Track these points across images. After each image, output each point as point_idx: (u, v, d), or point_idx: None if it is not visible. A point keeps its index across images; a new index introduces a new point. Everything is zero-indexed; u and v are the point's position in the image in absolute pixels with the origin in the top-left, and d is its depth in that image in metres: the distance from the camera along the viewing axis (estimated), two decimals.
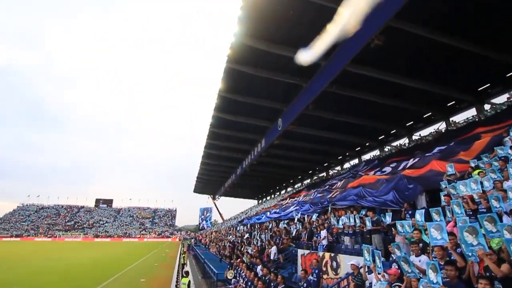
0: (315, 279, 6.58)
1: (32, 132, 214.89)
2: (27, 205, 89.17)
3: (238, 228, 23.94)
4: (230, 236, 21.11)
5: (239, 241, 16.38)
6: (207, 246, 27.93)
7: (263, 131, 24.97)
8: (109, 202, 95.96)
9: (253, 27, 13.37)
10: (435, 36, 11.13)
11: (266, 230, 14.24)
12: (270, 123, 23.20)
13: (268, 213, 19.95)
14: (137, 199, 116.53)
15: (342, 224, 8.29)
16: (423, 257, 4.39)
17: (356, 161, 26.83)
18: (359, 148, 25.94)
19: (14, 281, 13.21)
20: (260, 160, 28.87)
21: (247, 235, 16.34)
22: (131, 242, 65.25)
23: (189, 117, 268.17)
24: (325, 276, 7.05)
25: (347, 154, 28.02)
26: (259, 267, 7.85)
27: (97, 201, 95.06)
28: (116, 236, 74.82)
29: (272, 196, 51.21)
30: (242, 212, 50.69)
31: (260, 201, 57.92)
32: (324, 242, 8.53)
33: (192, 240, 45.65)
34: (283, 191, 46.40)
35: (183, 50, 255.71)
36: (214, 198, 70.35)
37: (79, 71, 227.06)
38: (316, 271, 6.71)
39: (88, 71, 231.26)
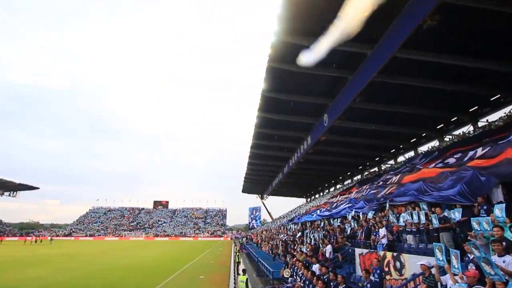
0: (377, 279, 6.25)
1: (96, 143, 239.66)
2: (97, 208, 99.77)
3: (288, 227, 23.86)
4: (282, 235, 21.11)
5: (291, 240, 16.31)
6: (259, 245, 28.32)
7: (308, 128, 24.54)
8: (165, 203, 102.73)
9: (293, 23, 13.19)
10: (500, 7, 9.81)
11: (318, 229, 13.95)
12: (315, 119, 22.70)
13: (319, 211, 19.53)
14: (190, 200, 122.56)
15: (404, 222, 7.74)
16: (508, 258, 3.88)
17: (411, 153, 24.96)
18: (414, 139, 24.03)
19: (91, 276, 14.86)
20: (307, 157, 28.41)
21: (299, 234, 16.20)
22: (186, 241, 69.07)
23: (235, 119, 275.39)
24: (388, 277, 6.66)
25: (401, 146, 26.19)
26: (315, 266, 7.71)
27: (155, 203, 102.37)
28: (173, 235, 79.81)
29: (321, 194, 50.08)
30: (291, 211, 50.42)
31: (309, 199, 57.04)
32: (384, 240, 8.06)
33: (244, 239, 46.67)
34: (332, 189, 45.10)
35: (224, 54, 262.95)
36: (262, 198, 71.15)
37: (135, 86, 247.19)
38: (378, 271, 6.37)
39: (142, 88, 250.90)
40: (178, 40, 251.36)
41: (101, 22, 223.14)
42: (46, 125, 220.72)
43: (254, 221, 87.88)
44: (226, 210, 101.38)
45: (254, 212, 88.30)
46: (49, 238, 59.87)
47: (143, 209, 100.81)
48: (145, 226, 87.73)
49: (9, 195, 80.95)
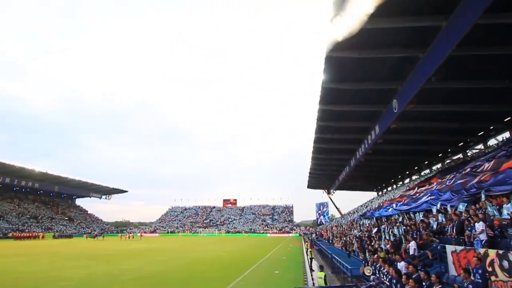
0: (480, 280, 5.51)
1: (169, 150, 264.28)
2: (175, 207, 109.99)
3: (361, 222, 22.69)
4: (355, 231, 20.19)
5: (367, 236, 15.47)
6: (330, 241, 27.61)
7: (375, 117, 22.95)
8: (233, 202, 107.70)
9: None
10: None
11: (397, 224, 12.92)
12: (382, 107, 21.12)
13: (395, 205, 18.12)
14: (257, 198, 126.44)
15: (508, 214, 6.65)
16: None
17: (506, 135, 21.35)
18: (509, 118, 20.48)
19: (177, 268, 16.45)
20: (376, 148, 26.61)
21: (375, 230, 15.27)
22: (256, 237, 71.30)
23: (296, 114, 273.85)
24: (493, 278, 5.81)
25: (491, 128, 22.60)
26: (401, 264, 7.16)
27: (224, 201, 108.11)
28: (243, 231, 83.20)
29: (394, 186, 46.37)
30: (362, 205, 47.82)
31: (381, 192, 53.37)
32: (482, 236, 7.05)
33: (313, 235, 46.04)
34: (406, 180, 41.38)
35: (281, 45, 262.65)
36: (328, 193, 69.17)
37: (197, 97, 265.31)
38: (480, 271, 5.61)
39: (204, 97, 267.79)
40: (234, 45, 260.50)
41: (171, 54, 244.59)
42: (128, 137, 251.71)
43: (322, 217, 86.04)
44: (292, 207, 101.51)
45: (321, 208, 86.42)
46: (138, 234, 68.38)
47: (214, 207, 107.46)
48: (217, 223, 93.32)
49: (105, 198, 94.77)
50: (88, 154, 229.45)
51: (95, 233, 63.46)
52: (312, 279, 8.73)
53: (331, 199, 71.37)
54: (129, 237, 58.24)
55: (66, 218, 76.90)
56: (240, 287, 11.07)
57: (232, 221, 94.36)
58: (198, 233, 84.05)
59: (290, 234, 77.87)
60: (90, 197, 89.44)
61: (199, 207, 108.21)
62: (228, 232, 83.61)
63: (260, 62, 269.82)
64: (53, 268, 16.16)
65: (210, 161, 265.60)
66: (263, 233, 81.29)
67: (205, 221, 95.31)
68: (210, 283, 12.03)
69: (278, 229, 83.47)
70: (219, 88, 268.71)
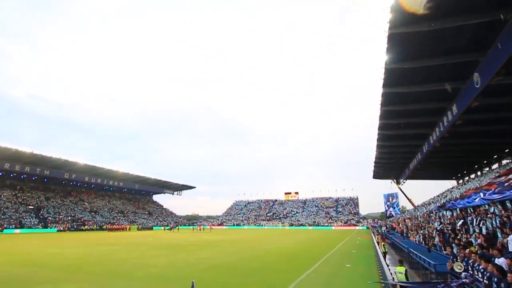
0: None
1: (231, 148, 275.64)
2: (238, 201, 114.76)
3: (440, 214, 20.50)
4: (435, 223, 18.34)
5: (450, 229, 13.90)
6: (404, 234, 25.62)
7: (451, 95, 20.35)
8: (295, 194, 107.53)
9: None
10: None
11: (488, 215, 11.32)
12: (460, 83, 18.66)
13: (483, 194, 15.87)
14: (319, 190, 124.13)
15: None
16: None
17: None
18: None
19: (248, 259, 17.15)
20: (454, 130, 23.66)
21: (460, 222, 13.63)
22: (321, 230, 70.12)
23: (358, 101, 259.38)
24: None
25: None
26: (500, 260, 6.25)
27: (286, 194, 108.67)
28: (306, 224, 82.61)
29: (479, 173, 40.73)
30: (439, 196, 43.15)
31: (461, 180, 47.44)
32: None
33: (383, 228, 43.31)
34: (494, 166, 35.98)
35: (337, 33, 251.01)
36: (398, 183, 64.09)
37: (255, 95, 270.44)
38: None
39: (260, 95, 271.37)
40: (284, 38, 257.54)
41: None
42: (192, 138, 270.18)
43: (391, 209, 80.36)
44: (357, 198, 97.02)
45: (390, 199, 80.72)
46: (208, 227, 73.19)
47: (276, 200, 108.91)
48: (280, 216, 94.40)
49: (177, 194, 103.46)
50: (159, 155, 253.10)
51: (171, 225, 70.09)
52: (391, 273, 8.21)
53: (401, 189, 66.03)
54: (199, 229, 62.82)
55: (146, 213, 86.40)
56: (312, 279, 11.04)
57: (294, 214, 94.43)
58: (262, 225, 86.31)
59: (357, 227, 74.67)
60: (164, 193, 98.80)
61: (261, 201, 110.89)
62: (292, 224, 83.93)
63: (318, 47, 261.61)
64: (141, 256, 18.37)
65: (270, 155, 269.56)
66: (327, 226, 79.57)
67: (268, 214, 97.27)
68: (282, 274, 12.26)
69: (343, 221, 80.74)
70: (271, 83, 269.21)
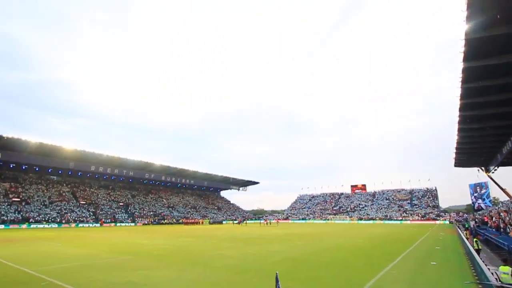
0: None
1: (292, 141, 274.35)
2: (303, 195, 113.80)
3: None
4: None
5: None
6: (502, 230, 22.13)
7: None
8: (362, 187, 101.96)
9: None
10: None
11: None
12: None
13: None
14: (389, 181, 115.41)
15: None
16: None
17: None
18: None
19: (318, 252, 16.88)
20: None
21: None
22: (394, 224, 65.14)
23: (431, 82, 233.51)
24: None
25: None
26: None
27: (352, 187, 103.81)
28: (377, 218, 77.61)
29: None
30: None
31: None
32: None
33: (472, 222, 38.13)
34: None
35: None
36: (487, 171, 55.54)
37: (314, 86, 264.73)
38: None
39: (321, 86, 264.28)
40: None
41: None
42: (254, 134, 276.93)
43: (479, 200, 70.18)
44: (436, 190, 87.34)
45: (477, 190, 70.57)
46: (274, 221, 74.40)
47: (342, 194, 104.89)
48: (347, 210, 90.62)
49: (242, 190, 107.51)
50: (223, 153, 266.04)
51: (239, 220, 73.30)
52: (492, 273, 7.13)
53: (491, 178, 57.00)
54: (266, 223, 64.27)
55: (215, 208, 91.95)
56: (393, 277, 10.30)
57: (363, 207, 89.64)
58: (328, 219, 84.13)
59: (437, 222, 67.33)
60: (230, 189, 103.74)
61: (326, 194, 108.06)
62: (360, 219, 79.89)
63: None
64: (216, 248, 19.61)
65: (333, 147, 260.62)
66: (401, 220, 73.59)
67: (334, 208, 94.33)
68: (357, 269, 11.75)
69: (420, 215, 73.65)
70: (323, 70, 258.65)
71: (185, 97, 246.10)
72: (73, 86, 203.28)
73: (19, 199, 53.71)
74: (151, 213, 69.59)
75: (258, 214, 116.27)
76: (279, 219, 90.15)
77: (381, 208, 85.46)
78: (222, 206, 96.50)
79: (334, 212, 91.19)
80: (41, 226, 48.31)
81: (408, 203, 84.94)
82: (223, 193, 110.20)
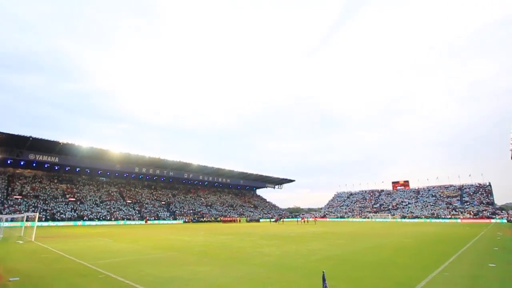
0: None
1: (327, 137, 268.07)
2: (340, 193, 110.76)
3: None
4: None
5: None
6: None
7: None
8: (405, 183, 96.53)
9: None
10: None
11: None
12: None
13: None
14: (435, 177, 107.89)
15: None
16: None
17: None
18: None
19: (360, 251, 16.27)
20: None
21: None
22: (442, 223, 60.74)
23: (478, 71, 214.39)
24: None
25: None
26: None
27: (394, 183, 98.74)
28: (422, 216, 73.00)
29: None
30: None
31: None
32: None
33: None
34: None
35: None
36: None
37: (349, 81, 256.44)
38: None
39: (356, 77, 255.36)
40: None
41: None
42: (288, 131, 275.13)
43: None
44: (489, 185, 79.97)
45: None
46: (311, 219, 73.33)
47: (382, 190, 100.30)
48: (389, 207, 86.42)
49: (278, 188, 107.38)
50: (258, 151, 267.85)
51: (276, 218, 73.37)
52: None
53: None
54: (303, 222, 63.56)
55: (252, 206, 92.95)
56: (447, 279, 9.59)
57: (406, 205, 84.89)
58: (368, 218, 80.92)
59: (492, 220, 61.66)
60: (266, 187, 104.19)
61: (365, 192, 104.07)
62: (404, 217, 75.77)
63: None
64: (255, 245, 19.80)
65: (371, 141, 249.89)
66: (449, 218, 68.51)
67: (374, 206, 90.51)
68: (405, 270, 11.12)
69: (472, 213, 67.94)
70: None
71: (219, 98, 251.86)
72: (115, 93, 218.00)
73: (74, 199, 58.96)
74: (191, 211, 72.32)
75: (294, 212, 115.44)
76: (316, 217, 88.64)
77: (427, 206, 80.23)
78: (258, 204, 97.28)
79: (375, 210, 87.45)
80: (94, 223, 52.57)
81: (458, 200, 78.72)
82: (259, 191, 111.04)
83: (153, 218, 62.09)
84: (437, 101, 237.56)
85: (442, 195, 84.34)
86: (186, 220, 65.14)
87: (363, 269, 11.28)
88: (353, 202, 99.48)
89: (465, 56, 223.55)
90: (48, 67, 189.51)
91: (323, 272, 5.23)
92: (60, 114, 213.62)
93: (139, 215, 61.80)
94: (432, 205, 79.86)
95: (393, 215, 78.90)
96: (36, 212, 39.85)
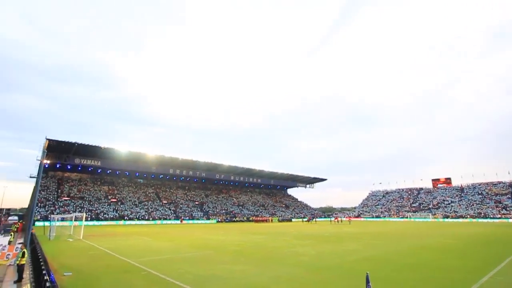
0: None
1: (359, 134, 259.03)
2: (375, 191, 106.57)
3: None
4: None
5: None
6: None
7: None
8: (447, 181, 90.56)
9: None
10: None
11: None
12: None
13: None
14: (481, 173, 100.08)
15: None
16: None
17: None
18: None
19: (400, 252, 15.51)
20: None
21: None
22: (491, 223, 56.07)
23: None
24: None
25: None
26: None
27: (434, 181, 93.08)
28: (468, 216, 67.92)
29: None
30: None
31: None
32: None
33: None
34: None
35: None
36: None
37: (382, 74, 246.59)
38: None
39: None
40: None
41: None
42: (317, 129, 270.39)
43: None
44: None
45: None
46: (345, 219, 71.35)
47: (421, 189, 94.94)
48: (429, 206, 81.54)
49: (309, 187, 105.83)
50: (288, 151, 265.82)
51: (308, 217, 72.40)
52: None
53: None
54: (337, 221, 62.05)
55: (283, 205, 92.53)
56: (500, 284, 8.85)
57: (449, 203, 79.55)
58: (406, 217, 76.98)
59: None
60: (297, 187, 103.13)
61: (403, 190, 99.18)
62: (446, 216, 71.10)
63: None
64: (289, 245, 19.70)
65: (407, 137, 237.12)
66: (499, 217, 63.11)
67: (413, 205, 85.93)
68: (452, 273, 10.42)
69: None
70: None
71: (247, 99, 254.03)
72: (149, 99, 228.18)
73: (116, 200, 62.70)
74: (223, 211, 73.70)
75: (326, 212, 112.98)
76: (350, 216, 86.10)
77: (472, 205, 74.52)
78: (289, 204, 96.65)
79: (413, 209, 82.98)
80: (133, 222, 55.51)
81: (509, 197, 72.17)
82: (290, 191, 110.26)
83: (187, 218, 64.18)
84: (480, 90, 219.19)
85: (490, 192, 77.82)
86: (219, 220, 66.51)
87: (405, 271, 10.75)
88: (389, 201, 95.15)
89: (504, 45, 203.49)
90: (86, 76, 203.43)
91: (367, 273, 5.07)
92: (98, 120, 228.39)
93: (175, 214, 64.18)
94: (479, 203, 73.96)
95: (434, 214, 74.26)
96: (83, 213, 42.96)
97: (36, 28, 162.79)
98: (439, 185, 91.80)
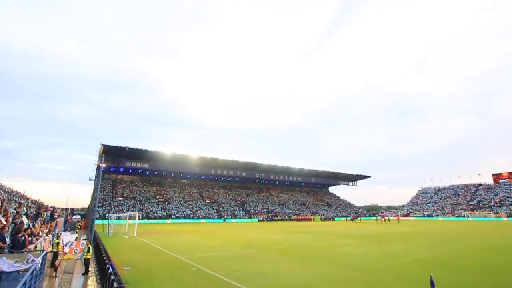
0: None
1: (405, 128, 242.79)
2: (425, 188, 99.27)
3: None
4: None
5: None
6: None
7: None
8: (510, 175, 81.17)
9: None
10: None
11: None
12: None
13: None
14: None
15: None
16: None
17: None
18: None
19: (457, 255, 14.25)
20: None
21: None
22: None
23: None
24: None
25: None
26: None
27: (495, 176, 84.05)
28: None
29: None
30: None
31: None
32: None
33: None
34: None
35: None
36: None
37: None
38: None
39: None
40: None
41: None
42: (356, 124, 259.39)
43: None
44: None
45: None
46: (394, 218, 67.53)
47: (480, 185, 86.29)
48: (490, 204, 73.76)
49: (352, 184, 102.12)
50: (329, 148, 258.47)
51: (352, 216, 69.94)
52: None
53: None
54: (384, 220, 59.02)
55: (325, 204, 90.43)
56: None
57: None
58: (464, 216, 70.49)
59: None
60: (339, 184, 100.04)
61: (457, 186, 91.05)
62: (511, 215, 63.68)
63: None
64: (333, 244, 19.22)
65: (460, 129, 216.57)
66: None
67: (471, 203, 78.44)
68: None
69: None
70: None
71: (283, 97, 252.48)
72: (188, 103, 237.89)
73: (163, 200, 66.55)
74: (264, 210, 74.23)
75: (372, 210, 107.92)
76: (398, 215, 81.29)
77: None
78: (331, 202, 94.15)
79: (471, 207, 75.71)
80: (180, 221, 58.39)
81: None
82: (332, 189, 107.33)
83: (230, 216, 65.81)
84: None
85: None
86: (261, 219, 67.13)
87: (468, 275, 9.87)
88: (443, 198, 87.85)
89: None
90: (131, 84, 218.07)
91: (430, 276, 4.80)
92: (143, 125, 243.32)
93: (217, 213, 66.21)
94: None
95: (497, 213, 66.94)
96: (136, 211, 46.30)
97: (88, 44, 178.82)
98: (501, 180, 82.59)
